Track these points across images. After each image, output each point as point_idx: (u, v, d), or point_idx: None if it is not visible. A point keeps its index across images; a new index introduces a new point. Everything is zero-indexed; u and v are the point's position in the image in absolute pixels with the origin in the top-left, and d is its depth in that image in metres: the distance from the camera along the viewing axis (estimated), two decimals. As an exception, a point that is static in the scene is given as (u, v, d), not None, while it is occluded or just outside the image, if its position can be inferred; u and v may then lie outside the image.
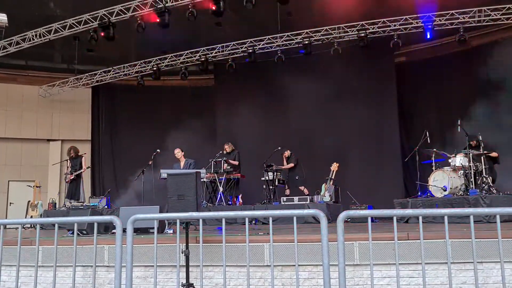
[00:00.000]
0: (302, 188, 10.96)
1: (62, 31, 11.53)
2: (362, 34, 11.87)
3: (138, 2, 10.69)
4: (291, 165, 11.10)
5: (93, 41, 11.29)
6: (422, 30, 11.64)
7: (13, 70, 14.64)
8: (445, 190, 8.15)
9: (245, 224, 3.28)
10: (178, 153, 9.88)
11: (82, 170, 10.83)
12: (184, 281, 4.56)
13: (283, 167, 11.02)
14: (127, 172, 11.91)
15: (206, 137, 12.98)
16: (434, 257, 4.40)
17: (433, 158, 8.89)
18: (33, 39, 11.84)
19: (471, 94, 10.85)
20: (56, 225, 3.54)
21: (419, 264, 4.33)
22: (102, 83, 14.90)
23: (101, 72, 14.63)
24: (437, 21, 11.37)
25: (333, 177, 10.13)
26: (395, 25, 11.83)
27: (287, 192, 11.02)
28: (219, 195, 10.25)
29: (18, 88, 14.76)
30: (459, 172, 8.32)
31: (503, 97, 10.61)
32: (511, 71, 10.63)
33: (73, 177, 10.69)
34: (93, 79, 14.77)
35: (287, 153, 11.25)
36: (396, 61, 13.30)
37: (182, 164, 9.80)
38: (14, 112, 14.64)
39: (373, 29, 12.01)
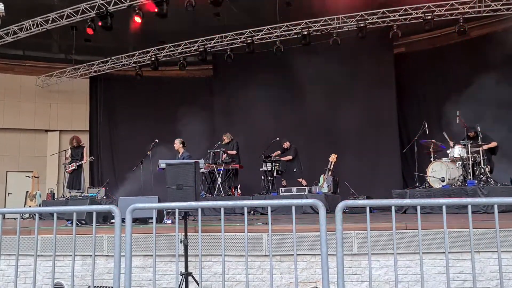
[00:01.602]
0: (300, 179, 10.97)
1: (60, 20, 11.44)
2: (362, 25, 11.82)
3: (136, -9, 10.61)
4: (290, 157, 11.10)
5: (91, 30, 11.21)
6: (421, 20, 11.58)
7: (10, 60, 14.57)
8: (443, 181, 8.18)
9: (243, 215, 3.28)
10: (176, 144, 9.85)
11: (83, 161, 10.81)
12: (183, 270, 4.58)
13: (282, 158, 11.02)
14: (126, 163, 11.90)
15: (204, 128, 12.96)
16: (432, 246, 4.43)
17: (431, 149, 8.91)
18: (31, 29, 11.75)
19: (470, 86, 10.82)
20: (55, 214, 3.54)
21: (416, 254, 4.35)
22: (100, 73, 14.83)
23: (99, 63, 14.55)
24: (437, 12, 11.31)
25: (331, 168, 10.15)
26: (394, 16, 11.76)
27: (284, 183, 11.03)
28: (217, 186, 10.25)
29: (16, 78, 14.69)
30: (457, 163, 8.34)
31: (502, 89, 10.60)
32: (510, 62, 10.60)
33: (74, 167, 10.68)
34: (91, 69, 14.70)
35: (286, 144, 11.24)
36: (395, 52, 13.24)
37: (179, 156, 9.78)
38: (12, 102, 14.59)
39: (372, 19, 11.94)
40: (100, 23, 10.92)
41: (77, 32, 12.51)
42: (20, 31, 11.90)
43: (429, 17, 11.22)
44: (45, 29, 11.69)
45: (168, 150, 10.15)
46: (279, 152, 11.13)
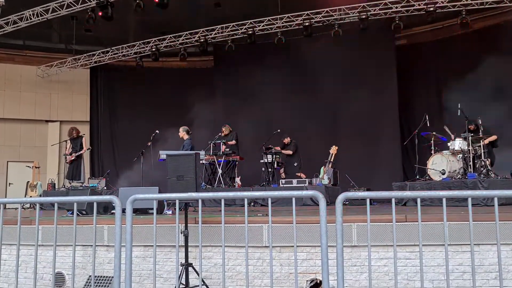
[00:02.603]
0: (299, 174, 10.96)
1: (60, 10, 11.37)
2: (363, 16, 11.74)
3: (136, -19, 10.52)
4: (290, 152, 11.09)
5: (91, 20, 11.15)
6: (424, 12, 11.50)
7: (10, 50, 14.51)
8: (443, 174, 8.18)
9: (244, 206, 3.29)
10: (180, 132, 9.82)
11: (82, 151, 10.83)
12: (183, 261, 4.60)
13: (282, 151, 11.01)
14: (126, 153, 11.91)
15: (205, 119, 12.95)
16: (431, 239, 4.44)
17: (432, 142, 8.90)
18: (31, 18, 11.68)
19: (472, 78, 10.78)
20: (56, 205, 3.55)
21: (416, 246, 4.36)
22: (100, 63, 14.79)
23: (99, 53, 14.50)
24: (439, 3, 11.23)
25: (332, 160, 10.15)
26: (396, 7, 11.68)
27: (283, 175, 11.04)
28: (218, 177, 10.26)
29: (16, 68, 14.64)
30: (458, 155, 8.33)
31: (504, 81, 10.56)
32: (512, 55, 10.55)
33: (74, 157, 10.70)
34: (91, 59, 14.65)
35: (287, 140, 11.23)
36: (397, 43, 13.18)
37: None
38: (13, 93, 14.55)
39: (374, 11, 11.86)
40: (100, 13, 10.86)
41: (78, 22, 12.45)
42: (20, 21, 11.83)
43: (432, 9, 11.14)
44: (45, 19, 11.62)
45: (169, 140, 10.14)
46: (279, 148, 11.12)
